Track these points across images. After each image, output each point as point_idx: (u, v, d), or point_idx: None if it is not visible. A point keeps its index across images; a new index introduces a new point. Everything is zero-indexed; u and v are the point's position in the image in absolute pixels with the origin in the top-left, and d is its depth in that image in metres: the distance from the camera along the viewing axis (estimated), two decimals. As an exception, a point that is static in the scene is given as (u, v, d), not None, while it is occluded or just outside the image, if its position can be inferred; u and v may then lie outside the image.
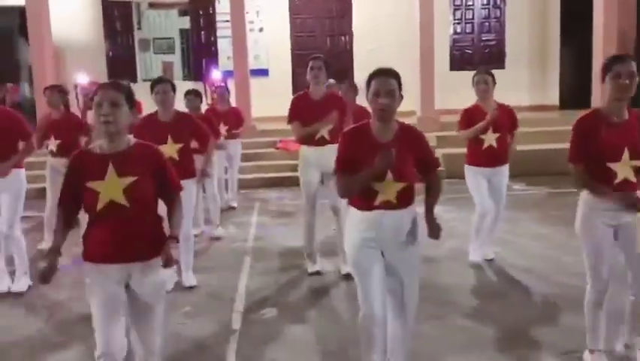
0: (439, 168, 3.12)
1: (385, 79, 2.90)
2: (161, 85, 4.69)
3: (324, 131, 4.94)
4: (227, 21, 11.73)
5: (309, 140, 5.00)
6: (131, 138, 2.80)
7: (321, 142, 4.96)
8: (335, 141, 4.86)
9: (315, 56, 4.99)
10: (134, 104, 2.77)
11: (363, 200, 2.96)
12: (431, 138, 10.52)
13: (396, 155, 2.87)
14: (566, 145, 3.21)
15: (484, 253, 5.33)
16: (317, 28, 12.66)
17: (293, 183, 9.42)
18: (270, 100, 11.88)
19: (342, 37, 12.72)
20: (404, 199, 2.96)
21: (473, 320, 4.12)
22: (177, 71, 13.21)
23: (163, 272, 2.78)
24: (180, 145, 4.65)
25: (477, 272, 5.09)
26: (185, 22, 12.99)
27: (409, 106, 10.09)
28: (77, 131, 6.13)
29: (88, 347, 3.70)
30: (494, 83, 5.08)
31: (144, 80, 12.77)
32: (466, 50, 12.62)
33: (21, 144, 4.85)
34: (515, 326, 3.97)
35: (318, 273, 5.09)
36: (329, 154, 4.86)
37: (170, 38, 13.26)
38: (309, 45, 12.58)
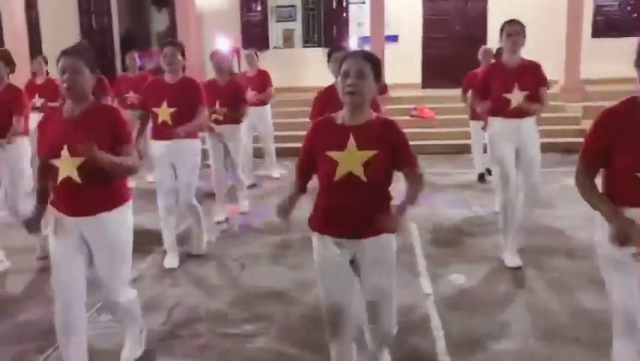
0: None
1: None
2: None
3: (521, 99, 4.42)
4: (360, -14, 11.70)
5: (501, 111, 4.48)
6: (372, 112, 2.64)
7: (517, 113, 4.44)
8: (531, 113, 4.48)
9: (512, 20, 4.49)
10: (380, 76, 2.59)
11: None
12: (576, 108, 10.05)
13: None
14: None
15: None
16: (450, -9, 12.31)
17: (430, 150, 9.39)
18: (400, 67, 11.77)
19: (477, 2, 12.28)
20: None
21: None
22: (298, 38, 13.34)
23: (392, 248, 2.67)
24: None
25: None
26: (313, -11, 13.05)
27: (551, 75, 9.66)
28: (242, 97, 6.13)
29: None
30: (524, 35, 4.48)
31: (275, 48, 13.06)
32: (612, 16, 11.85)
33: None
34: None
35: (518, 268, 4.54)
36: (524, 127, 4.51)
37: (291, 6, 13.36)
38: (440, 9, 12.31)
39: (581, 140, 2.59)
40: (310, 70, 11.95)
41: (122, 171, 2.90)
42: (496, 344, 3.40)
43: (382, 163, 2.55)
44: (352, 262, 2.66)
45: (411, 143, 2.63)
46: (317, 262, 2.68)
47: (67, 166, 2.80)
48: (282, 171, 8.21)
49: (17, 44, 8.98)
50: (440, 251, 4.97)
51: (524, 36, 4.48)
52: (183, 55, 4.79)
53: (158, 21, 14.68)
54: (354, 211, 2.56)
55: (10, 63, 4.89)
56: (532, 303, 3.95)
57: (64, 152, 2.80)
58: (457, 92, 7.73)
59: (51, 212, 2.96)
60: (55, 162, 2.83)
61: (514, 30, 4.45)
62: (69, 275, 2.89)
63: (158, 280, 4.49)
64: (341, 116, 2.63)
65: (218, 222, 5.94)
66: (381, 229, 2.56)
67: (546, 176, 5.67)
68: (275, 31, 13.23)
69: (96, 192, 2.87)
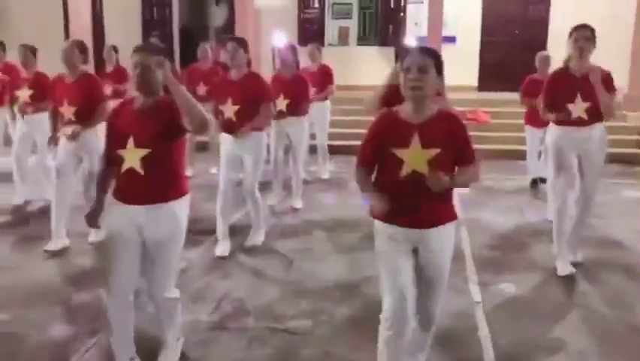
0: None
1: None
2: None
3: (581, 110, 4.33)
4: (418, -14, 11.56)
5: (564, 120, 4.39)
6: (434, 106, 2.67)
7: (580, 122, 4.36)
8: (595, 120, 4.35)
9: (582, 25, 4.34)
10: (442, 70, 2.67)
11: None
12: (639, 118, 9.70)
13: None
14: None
15: None
16: (512, -7, 12.04)
17: (484, 155, 9.19)
18: (457, 68, 11.55)
19: (539, 5, 11.97)
20: None
21: None
22: (353, 36, 13.28)
23: (452, 238, 2.77)
24: None
25: None
26: (368, -13, 12.98)
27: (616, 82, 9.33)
28: (305, 93, 6.22)
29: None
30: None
31: (330, 45, 13.05)
32: (682, 21, 11.35)
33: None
34: None
35: (571, 276, 4.42)
36: (588, 135, 4.39)
37: (348, 4, 13.32)
38: (501, 11, 12.05)
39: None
40: (364, 68, 11.92)
41: (190, 105, 2.74)
42: (547, 357, 3.30)
43: (447, 161, 2.61)
44: (414, 251, 2.73)
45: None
46: (379, 249, 2.76)
47: (131, 157, 2.86)
48: (332, 168, 8.19)
49: (82, 35, 9.24)
50: (491, 258, 4.87)
51: (594, 43, 4.31)
52: (246, 50, 4.83)
53: (217, 15, 14.87)
54: (418, 205, 2.64)
55: (83, 52, 5.02)
56: (586, 316, 3.84)
57: (130, 142, 2.86)
58: (514, 96, 7.59)
59: (111, 202, 3.02)
60: (122, 152, 2.89)
61: (582, 36, 4.30)
62: (125, 266, 2.93)
63: (207, 271, 4.56)
64: (403, 110, 2.67)
65: (270, 206, 6.06)
66: (443, 219, 2.69)
67: (604, 187, 5.51)
68: (331, 28, 13.23)
69: (157, 182, 2.91)
